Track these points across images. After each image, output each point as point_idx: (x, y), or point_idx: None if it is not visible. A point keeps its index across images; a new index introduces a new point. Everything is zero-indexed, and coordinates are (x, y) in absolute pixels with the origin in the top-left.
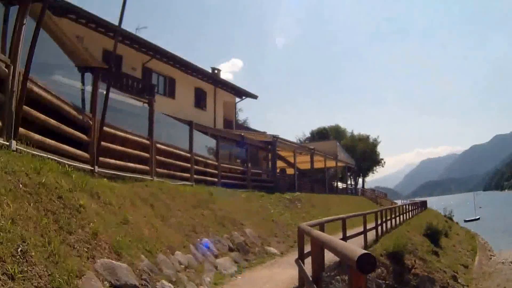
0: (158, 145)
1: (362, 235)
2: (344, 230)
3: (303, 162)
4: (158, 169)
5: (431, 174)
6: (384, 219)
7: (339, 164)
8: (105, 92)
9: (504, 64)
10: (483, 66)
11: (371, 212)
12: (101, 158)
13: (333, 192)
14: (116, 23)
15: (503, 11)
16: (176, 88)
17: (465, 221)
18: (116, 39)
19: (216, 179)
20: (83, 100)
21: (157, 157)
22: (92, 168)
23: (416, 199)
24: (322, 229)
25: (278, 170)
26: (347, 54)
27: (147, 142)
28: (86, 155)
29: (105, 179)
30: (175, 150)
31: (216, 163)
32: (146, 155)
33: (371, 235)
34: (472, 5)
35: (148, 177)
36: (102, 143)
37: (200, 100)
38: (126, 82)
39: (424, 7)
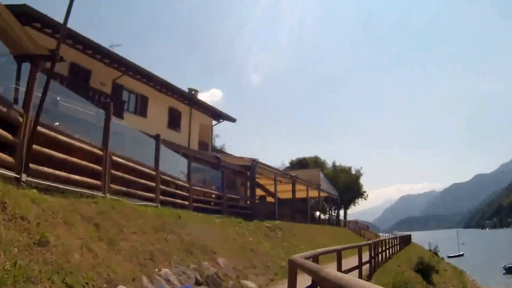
0: (115, 158)
1: (357, 270)
2: (339, 263)
3: (283, 191)
4: (113, 185)
5: (411, 210)
6: (377, 252)
7: (322, 194)
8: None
9: (489, 103)
10: (468, 105)
11: (366, 244)
12: (33, 166)
13: (315, 223)
14: (88, 38)
15: (489, 48)
16: (148, 106)
17: (449, 256)
18: (60, 37)
19: (187, 202)
20: (16, 99)
21: (113, 171)
22: (18, 176)
23: (398, 233)
24: (316, 262)
25: (257, 197)
26: (327, 84)
27: (100, 152)
28: (10, 159)
29: (34, 190)
30: (137, 166)
31: (188, 185)
32: (98, 167)
33: (364, 269)
34: (461, 42)
35: (100, 194)
36: (36, 147)
37: (174, 120)
38: (93, 96)
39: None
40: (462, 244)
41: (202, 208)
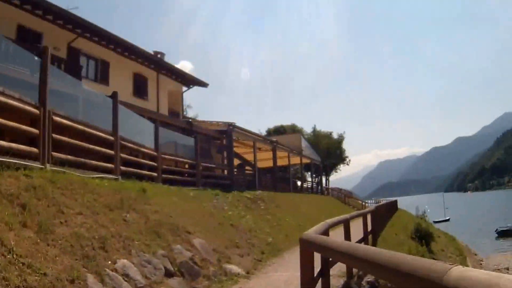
0: (58, 119)
1: (362, 242)
2: (347, 233)
3: (263, 159)
4: (55, 154)
5: (390, 176)
6: (377, 221)
7: (304, 160)
8: None
9: (467, 68)
10: (447, 70)
11: (368, 211)
12: None
13: (298, 191)
14: None
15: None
16: (110, 72)
17: (434, 222)
18: None
19: (155, 174)
20: None
21: (56, 135)
22: None
23: (382, 199)
24: (326, 234)
25: (235, 167)
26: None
27: (36, 111)
28: None
29: None
30: (88, 129)
31: (156, 154)
32: (34, 130)
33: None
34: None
35: (37, 164)
36: None
37: (140, 87)
38: None
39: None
40: (447, 208)
41: (174, 180)
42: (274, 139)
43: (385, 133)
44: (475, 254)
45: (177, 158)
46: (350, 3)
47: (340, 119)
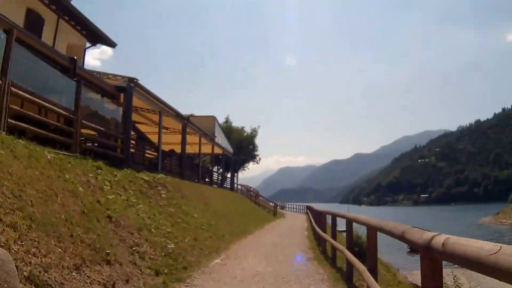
0: None
1: None
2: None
3: (171, 143)
4: None
5: (289, 182)
6: None
7: (217, 150)
8: None
9: (373, 88)
10: (352, 89)
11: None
12: None
13: (208, 184)
14: None
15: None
16: None
17: (339, 231)
18: None
19: None
20: None
21: None
22: None
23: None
24: None
25: (133, 137)
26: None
27: None
28: None
29: None
30: None
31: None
32: None
33: None
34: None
35: None
36: None
37: (33, 29)
38: None
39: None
40: None
41: (33, 133)
42: (186, 115)
43: (286, 140)
44: (397, 270)
45: (43, 102)
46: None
47: (249, 120)
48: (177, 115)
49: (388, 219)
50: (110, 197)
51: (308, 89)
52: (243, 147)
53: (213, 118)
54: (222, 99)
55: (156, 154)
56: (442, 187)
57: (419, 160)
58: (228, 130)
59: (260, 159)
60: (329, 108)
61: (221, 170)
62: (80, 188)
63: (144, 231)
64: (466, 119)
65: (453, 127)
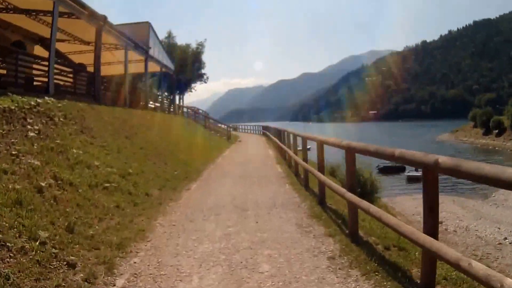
0: None
1: None
2: None
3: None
4: None
5: (239, 103)
6: None
7: (153, 68)
8: None
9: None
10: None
11: None
12: None
13: (140, 108)
14: None
15: None
16: None
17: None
18: None
19: None
20: None
21: None
22: None
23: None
24: None
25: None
26: None
27: None
28: None
29: None
30: None
31: None
32: None
33: None
34: None
35: None
36: None
37: None
38: None
39: None
40: None
41: None
42: (102, 15)
43: (233, 62)
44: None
45: None
46: None
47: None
48: (90, 15)
49: (343, 138)
50: None
51: (253, 11)
52: (188, 64)
53: (147, 25)
54: (164, 17)
55: (46, 69)
56: (390, 104)
57: (366, 79)
58: (172, 48)
59: (208, 77)
60: (277, 28)
61: (166, 93)
62: None
63: None
64: (412, 41)
65: (399, 48)
